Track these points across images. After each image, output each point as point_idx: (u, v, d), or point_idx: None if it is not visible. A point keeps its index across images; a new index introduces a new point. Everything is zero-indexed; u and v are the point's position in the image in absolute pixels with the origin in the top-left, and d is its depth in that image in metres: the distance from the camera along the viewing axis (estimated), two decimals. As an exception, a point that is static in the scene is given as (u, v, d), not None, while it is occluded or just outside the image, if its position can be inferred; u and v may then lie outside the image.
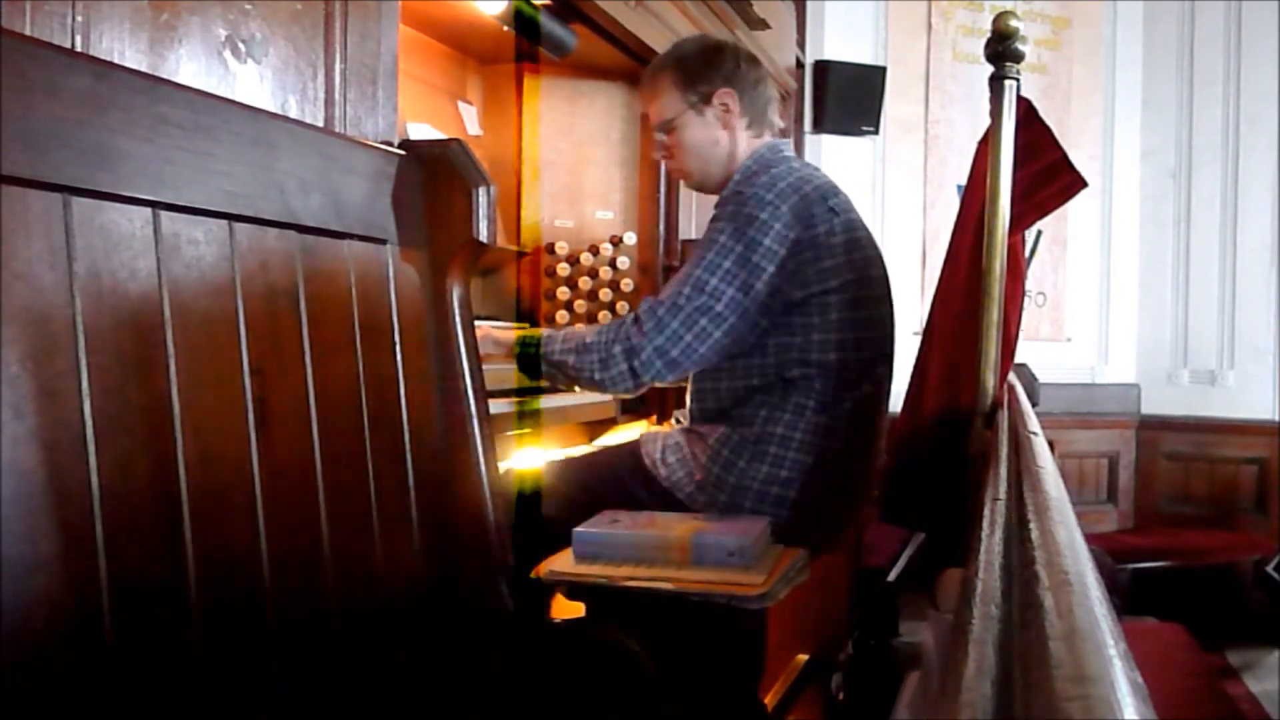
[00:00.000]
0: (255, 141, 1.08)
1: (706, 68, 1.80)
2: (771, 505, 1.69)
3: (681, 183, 2.70)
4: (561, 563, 1.49)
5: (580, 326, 1.77)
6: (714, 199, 1.80)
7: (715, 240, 1.66)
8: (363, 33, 1.36)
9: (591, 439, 2.35)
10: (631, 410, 2.42)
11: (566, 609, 1.50)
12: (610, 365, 1.66)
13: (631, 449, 1.83)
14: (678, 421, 1.87)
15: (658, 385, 1.71)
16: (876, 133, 4.35)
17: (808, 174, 1.75)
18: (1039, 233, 3.14)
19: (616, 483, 1.75)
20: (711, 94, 1.79)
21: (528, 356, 1.72)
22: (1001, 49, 1.72)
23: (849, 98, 4.25)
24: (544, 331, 1.74)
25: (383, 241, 1.30)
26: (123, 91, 0.92)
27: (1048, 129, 1.84)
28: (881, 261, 1.80)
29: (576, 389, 1.77)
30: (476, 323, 1.41)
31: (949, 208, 4.09)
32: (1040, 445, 1.17)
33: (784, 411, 1.70)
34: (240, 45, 1.18)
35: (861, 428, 1.75)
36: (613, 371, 1.66)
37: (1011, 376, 1.92)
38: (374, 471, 1.23)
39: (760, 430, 1.70)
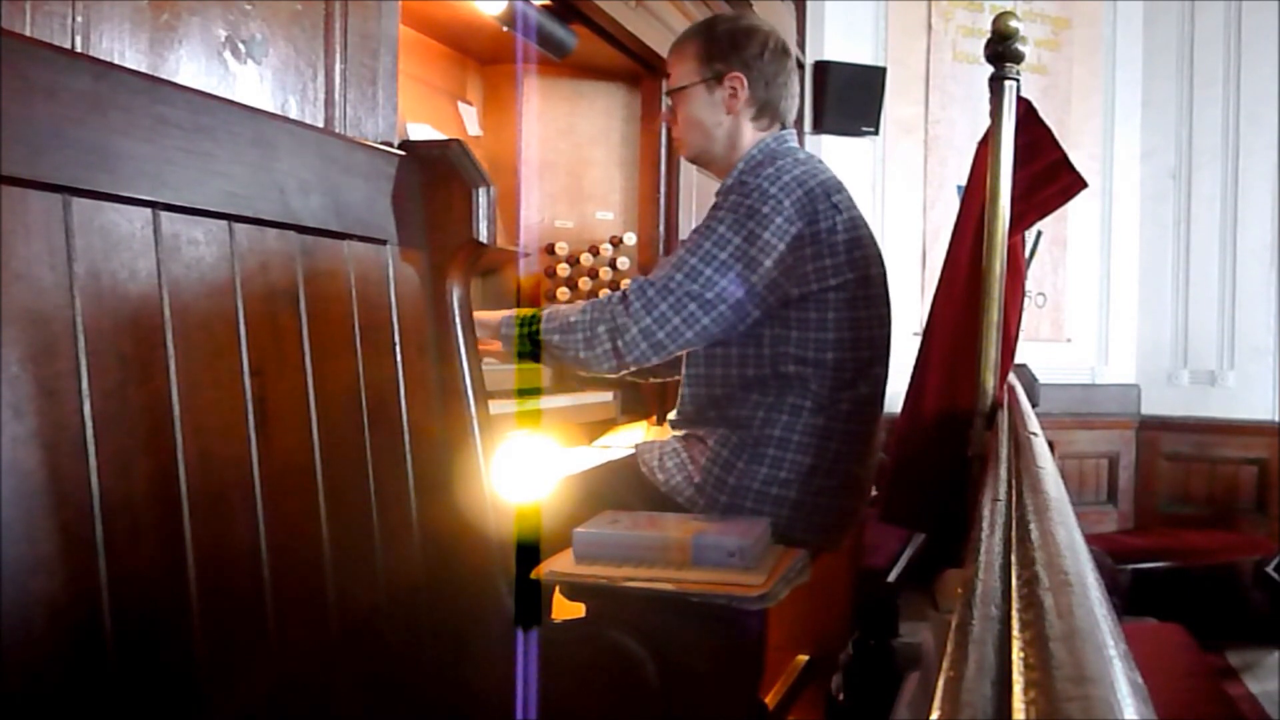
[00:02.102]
0: (255, 142, 1.08)
1: (730, 47, 1.78)
2: (771, 505, 1.68)
3: (681, 182, 2.72)
4: (561, 563, 1.49)
5: (566, 305, 1.74)
6: (713, 194, 1.79)
7: (714, 229, 1.65)
8: (363, 33, 1.36)
9: (592, 439, 2.35)
10: (631, 410, 2.42)
11: (566, 609, 1.49)
12: (594, 344, 1.64)
13: (628, 461, 1.82)
14: (671, 423, 1.86)
15: (640, 366, 1.69)
16: (876, 133, 4.35)
17: (812, 168, 1.73)
18: (1039, 233, 3.14)
19: (615, 497, 1.74)
20: (725, 74, 1.77)
21: (515, 337, 1.70)
22: (1001, 49, 1.72)
23: (849, 98, 4.25)
24: (542, 310, 1.73)
25: (383, 242, 1.30)
26: (123, 92, 0.92)
27: (1048, 129, 1.84)
28: (881, 261, 1.79)
29: (562, 368, 1.75)
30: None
31: (949, 208, 4.09)
32: (1040, 446, 1.17)
33: (781, 413, 1.69)
34: (240, 45, 1.18)
35: (859, 428, 1.75)
36: (596, 350, 1.64)
37: (1011, 377, 1.92)
38: (374, 472, 1.23)
39: (758, 432, 1.69)
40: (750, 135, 1.80)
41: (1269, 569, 3.73)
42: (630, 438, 2.37)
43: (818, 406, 1.69)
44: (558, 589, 1.49)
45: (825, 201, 1.67)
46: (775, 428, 1.69)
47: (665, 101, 1.87)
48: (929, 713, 0.44)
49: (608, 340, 1.63)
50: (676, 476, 1.74)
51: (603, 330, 1.64)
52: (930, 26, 4.46)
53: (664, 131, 2.61)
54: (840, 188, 1.74)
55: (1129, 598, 3.73)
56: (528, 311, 1.73)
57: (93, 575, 0.85)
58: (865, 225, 1.76)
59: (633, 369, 1.69)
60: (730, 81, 1.77)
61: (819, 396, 1.69)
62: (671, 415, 1.85)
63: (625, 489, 1.77)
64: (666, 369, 1.89)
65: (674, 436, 1.81)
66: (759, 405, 1.70)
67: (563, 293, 2.62)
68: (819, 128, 4.26)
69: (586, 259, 2.66)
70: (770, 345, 1.69)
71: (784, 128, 1.83)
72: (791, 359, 1.68)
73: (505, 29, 2.18)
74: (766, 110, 1.80)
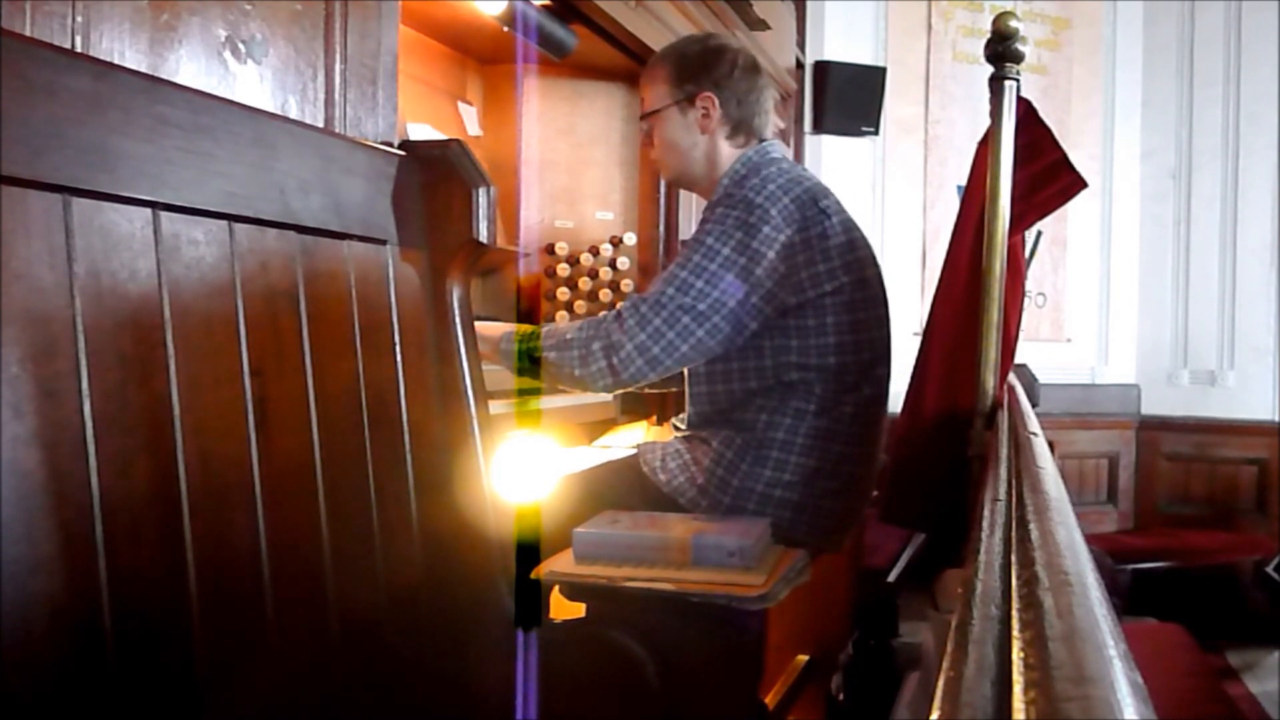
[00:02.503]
0: (255, 142, 1.08)
1: (699, 68, 1.79)
2: (775, 508, 1.68)
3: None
4: (561, 563, 1.49)
5: (564, 323, 1.74)
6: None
7: (702, 242, 1.65)
8: (363, 33, 1.36)
9: (592, 439, 2.35)
10: (631, 410, 2.42)
11: (566, 609, 1.49)
12: (589, 361, 1.64)
13: (630, 462, 1.82)
14: (675, 428, 1.86)
15: (637, 384, 1.69)
16: (876, 133, 4.35)
17: (796, 176, 1.73)
18: (1039, 233, 3.14)
19: (616, 498, 1.74)
20: (696, 95, 1.78)
21: (514, 354, 1.70)
22: (1001, 49, 1.72)
23: (849, 98, 4.25)
24: (541, 328, 1.73)
25: (383, 242, 1.30)
26: (122, 91, 0.92)
27: (1048, 129, 1.84)
28: (875, 261, 1.79)
29: (560, 386, 1.75)
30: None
31: (949, 208, 4.09)
32: (1040, 446, 1.17)
33: (784, 416, 1.69)
34: (240, 45, 1.18)
35: (863, 430, 1.74)
36: (591, 368, 1.64)
37: (1011, 377, 1.92)
38: (374, 472, 1.23)
39: (762, 435, 1.69)
40: (727, 152, 1.81)
41: (1269, 569, 3.73)
42: (630, 438, 2.37)
43: (821, 409, 1.69)
44: (557, 589, 1.49)
45: (813, 207, 1.67)
46: (779, 430, 1.69)
47: (641, 125, 1.88)
48: (929, 713, 0.44)
49: (603, 358, 1.63)
50: (679, 478, 1.74)
51: (597, 347, 1.63)
52: (930, 26, 4.46)
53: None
54: (827, 193, 1.73)
55: (1129, 598, 3.73)
56: (527, 328, 1.73)
57: (93, 575, 0.85)
58: (856, 227, 1.75)
59: (630, 386, 1.69)
60: (702, 102, 1.78)
61: (823, 400, 1.69)
62: (676, 421, 1.85)
63: (626, 489, 1.77)
64: (661, 382, 1.88)
65: (676, 438, 1.81)
66: (763, 409, 1.70)
67: (563, 292, 2.62)
68: (819, 128, 4.26)
69: (586, 259, 2.66)
70: (772, 356, 1.69)
71: (761, 142, 1.83)
72: (794, 367, 1.68)
73: (505, 29, 2.18)
74: (741, 128, 1.80)
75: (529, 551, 1.38)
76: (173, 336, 0.95)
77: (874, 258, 1.79)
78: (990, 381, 1.74)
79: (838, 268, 1.66)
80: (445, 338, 1.35)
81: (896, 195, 4.44)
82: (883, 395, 1.80)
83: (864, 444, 1.75)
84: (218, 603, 0.96)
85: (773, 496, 1.69)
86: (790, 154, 4.01)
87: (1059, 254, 4.63)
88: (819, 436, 1.69)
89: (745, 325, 1.65)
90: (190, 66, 1.12)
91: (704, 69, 1.79)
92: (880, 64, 4.34)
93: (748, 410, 1.71)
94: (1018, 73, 1.74)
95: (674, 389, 1.85)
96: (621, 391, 1.74)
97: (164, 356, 0.94)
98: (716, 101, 1.78)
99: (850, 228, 1.72)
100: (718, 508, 1.71)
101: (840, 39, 4.32)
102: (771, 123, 1.88)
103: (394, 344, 1.30)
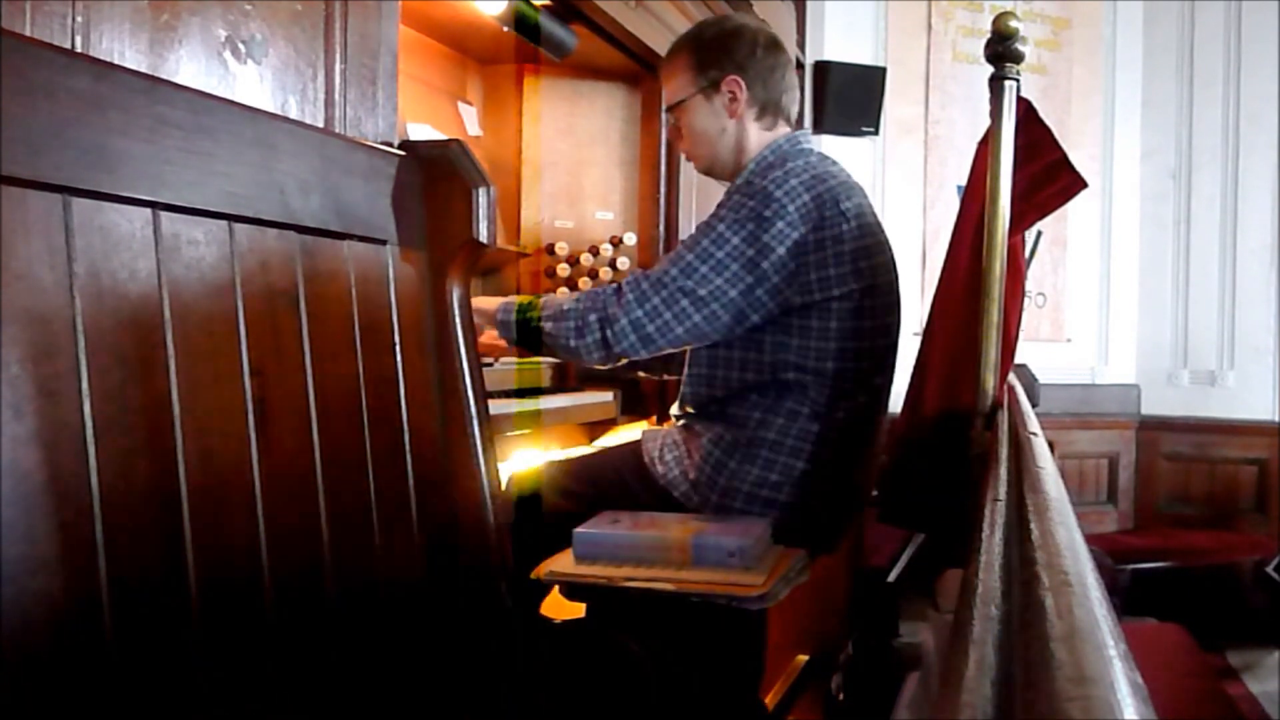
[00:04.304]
0: (255, 142, 1.08)
1: (721, 52, 1.75)
2: (761, 506, 1.68)
3: (681, 182, 2.73)
4: (561, 563, 1.49)
5: (563, 295, 1.73)
6: (717, 197, 1.79)
7: (713, 227, 1.63)
8: (363, 33, 1.36)
9: (592, 439, 2.35)
10: (631, 410, 2.42)
11: (566, 609, 1.50)
12: (585, 333, 1.63)
13: (633, 447, 1.82)
14: (676, 419, 1.86)
15: (630, 360, 1.68)
16: (876, 133, 4.35)
17: (824, 171, 1.70)
18: (1039, 233, 3.14)
19: (618, 480, 1.74)
20: (721, 80, 1.75)
21: (511, 324, 1.69)
22: (1001, 49, 1.71)
23: (849, 98, 4.25)
24: (540, 298, 1.72)
25: (383, 242, 1.30)
26: (122, 91, 0.92)
27: (1048, 129, 1.84)
28: (891, 268, 1.76)
29: (555, 357, 1.74)
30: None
31: (949, 208, 4.09)
32: (1040, 446, 1.17)
33: (778, 416, 1.68)
34: (240, 46, 1.18)
35: (855, 436, 1.73)
36: (587, 340, 1.63)
37: (1011, 377, 1.92)
38: (374, 471, 1.23)
39: (753, 433, 1.69)
40: (756, 136, 1.78)
41: (1269, 569, 3.73)
42: (630, 438, 2.37)
43: (814, 414, 1.68)
44: (556, 589, 1.49)
45: (833, 208, 1.64)
46: (770, 430, 1.68)
47: (668, 118, 1.85)
48: (929, 713, 0.44)
49: (598, 330, 1.62)
50: (674, 470, 1.74)
51: (594, 319, 1.62)
52: (930, 26, 4.46)
53: (663, 131, 2.61)
54: (852, 193, 1.70)
55: (1129, 598, 3.73)
56: (525, 298, 1.72)
57: (93, 575, 0.85)
58: (878, 232, 1.72)
59: (622, 361, 1.68)
60: (728, 86, 1.75)
61: (816, 404, 1.68)
62: (674, 409, 1.85)
63: (628, 473, 1.77)
64: (661, 365, 1.88)
65: (675, 427, 1.81)
66: (757, 405, 1.70)
67: (562, 293, 2.62)
68: (819, 128, 4.26)
69: (586, 259, 2.66)
70: (771, 352, 1.67)
71: (789, 124, 1.81)
72: (792, 366, 1.67)
73: (505, 29, 2.18)
74: (769, 109, 1.78)
75: (530, 543, 1.38)
76: (173, 336, 0.95)
77: (891, 264, 1.76)
78: (990, 381, 1.74)
79: (849, 273, 1.64)
80: (445, 338, 1.35)
81: (896, 195, 4.44)
82: (879, 404, 1.79)
83: (855, 450, 1.75)
84: (218, 602, 0.96)
85: (759, 495, 1.68)
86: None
87: (1059, 254, 4.62)
88: (809, 439, 1.68)
89: (746, 316, 1.64)
90: (190, 66, 1.12)
91: (725, 52, 1.75)
92: (880, 64, 4.34)
93: (742, 405, 1.71)
94: (1018, 73, 1.74)
95: (672, 376, 1.84)
96: (614, 366, 1.72)
97: (164, 356, 0.95)
98: (743, 84, 1.75)
99: (869, 233, 1.69)
100: (707, 504, 1.71)
101: (840, 39, 4.31)
102: (798, 100, 1.85)
103: (394, 344, 1.30)
